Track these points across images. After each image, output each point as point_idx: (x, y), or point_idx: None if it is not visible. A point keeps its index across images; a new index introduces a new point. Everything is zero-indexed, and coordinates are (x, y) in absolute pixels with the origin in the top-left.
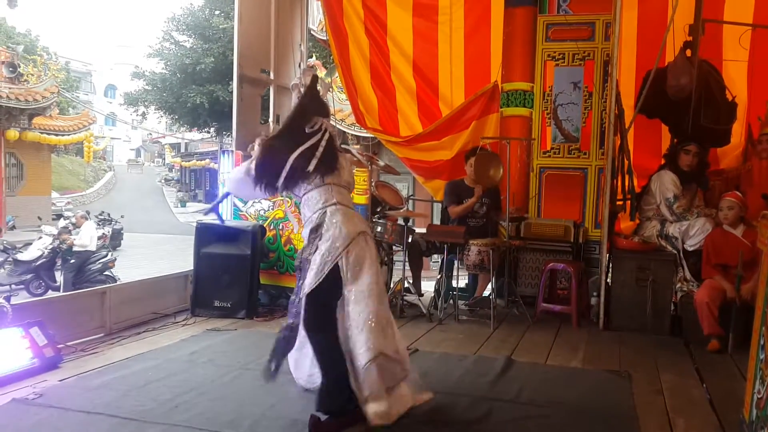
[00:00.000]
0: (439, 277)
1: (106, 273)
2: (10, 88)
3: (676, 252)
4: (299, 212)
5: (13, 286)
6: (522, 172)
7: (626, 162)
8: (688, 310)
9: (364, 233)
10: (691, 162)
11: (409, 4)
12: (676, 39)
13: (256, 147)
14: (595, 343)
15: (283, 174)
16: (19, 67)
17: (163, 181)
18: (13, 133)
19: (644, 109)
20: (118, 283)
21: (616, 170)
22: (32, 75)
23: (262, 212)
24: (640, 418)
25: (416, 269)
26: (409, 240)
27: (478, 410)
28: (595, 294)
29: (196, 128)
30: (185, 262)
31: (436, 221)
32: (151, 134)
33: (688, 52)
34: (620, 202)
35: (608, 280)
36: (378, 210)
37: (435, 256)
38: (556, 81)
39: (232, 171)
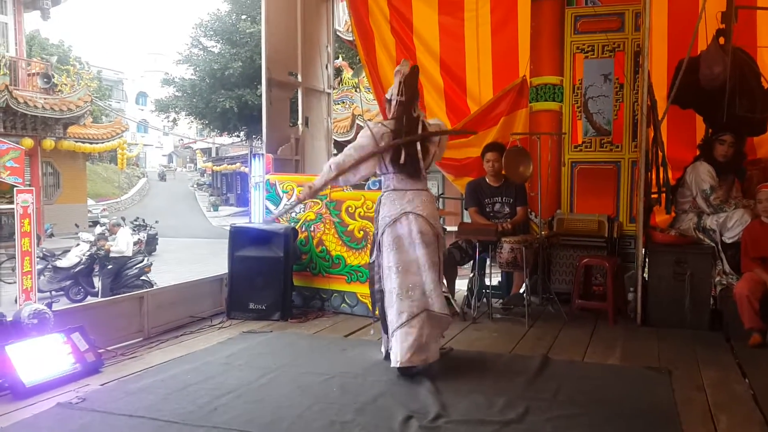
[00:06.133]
0: (471, 275)
1: (143, 278)
2: (45, 99)
3: (714, 245)
4: (330, 214)
5: (54, 293)
6: (553, 168)
7: (660, 154)
8: (727, 303)
9: (406, 213)
10: (727, 152)
11: (435, 2)
12: (709, 27)
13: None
14: (633, 340)
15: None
16: (54, 77)
17: (195, 185)
18: (49, 143)
19: (677, 100)
20: (154, 287)
21: (650, 163)
22: (66, 85)
23: (293, 214)
24: (682, 415)
25: (450, 277)
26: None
27: (515, 410)
28: (631, 289)
29: (226, 132)
30: (218, 266)
31: (467, 219)
32: (182, 140)
33: (721, 40)
34: (655, 195)
35: (645, 274)
36: None
37: None
38: (585, 73)
39: None
